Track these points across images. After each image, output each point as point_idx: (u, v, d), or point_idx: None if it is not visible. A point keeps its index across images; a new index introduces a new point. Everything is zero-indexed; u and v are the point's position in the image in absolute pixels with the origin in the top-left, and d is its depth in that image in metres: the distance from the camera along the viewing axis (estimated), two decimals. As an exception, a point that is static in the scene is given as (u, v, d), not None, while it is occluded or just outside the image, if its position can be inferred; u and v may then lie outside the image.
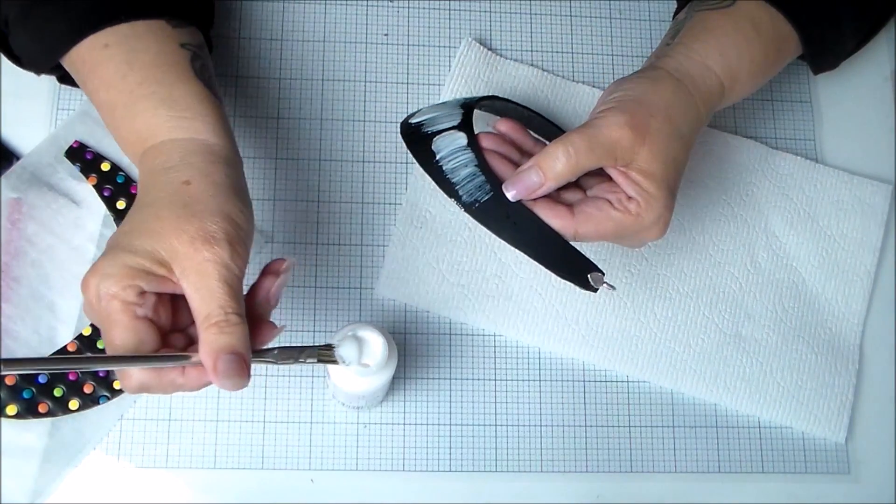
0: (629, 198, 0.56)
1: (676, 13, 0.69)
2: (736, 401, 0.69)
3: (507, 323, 0.68)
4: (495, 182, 0.56)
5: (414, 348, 0.68)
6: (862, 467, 0.69)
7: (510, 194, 0.56)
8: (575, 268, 0.58)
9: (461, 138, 0.57)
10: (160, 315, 0.48)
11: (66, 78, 0.61)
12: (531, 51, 0.76)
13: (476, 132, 0.58)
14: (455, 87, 0.73)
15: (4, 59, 0.63)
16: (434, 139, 0.58)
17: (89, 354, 0.63)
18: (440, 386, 0.67)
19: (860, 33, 0.68)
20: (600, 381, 0.69)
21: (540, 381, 0.68)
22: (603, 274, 0.58)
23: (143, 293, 0.47)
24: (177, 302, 0.49)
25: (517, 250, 0.57)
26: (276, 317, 0.66)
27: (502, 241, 0.57)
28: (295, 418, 0.65)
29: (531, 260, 0.57)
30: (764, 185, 0.74)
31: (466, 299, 0.68)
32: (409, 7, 0.76)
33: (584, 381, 0.69)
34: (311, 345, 0.52)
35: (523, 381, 0.68)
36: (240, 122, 0.71)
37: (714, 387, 0.69)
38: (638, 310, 0.70)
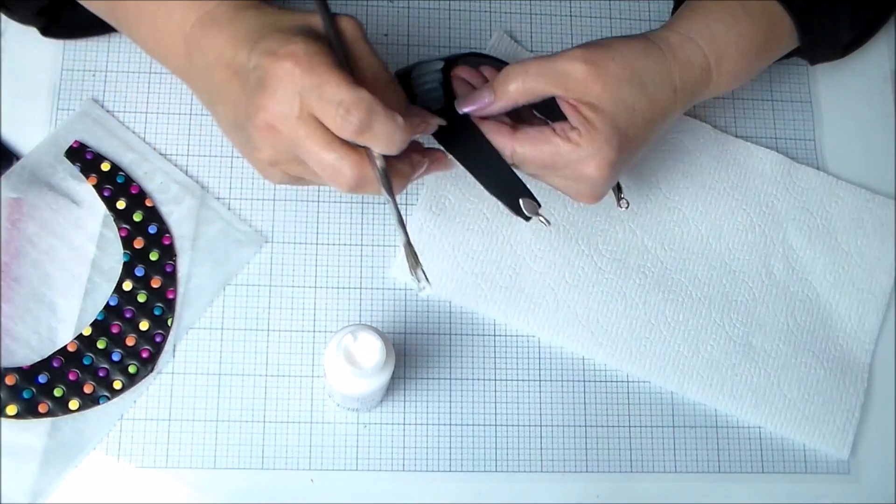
0: (572, 128, 0.57)
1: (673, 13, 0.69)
2: (741, 410, 0.68)
3: (517, 315, 0.68)
4: (451, 97, 0.59)
5: (414, 348, 0.68)
6: (862, 467, 0.69)
7: (460, 109, 0.58)
8: (510, 190, 0.60)
9: (438, 64, 0.61)
10: None
11: (48, 29, 0.62)
12: (531, 51, 0.76)
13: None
14: None
15: (5, 60, 0.63)
16: (416, 66, 0.62)
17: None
18: (440, 386, 0.67)
19: (857, 24, 0.68)
20: (600, 381, 0.69)
21: (540, 381, 0.68)
22: (539, 205, 0.59)
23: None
24: None
25: (462, 166, 0.60)
26: (275, 316, 0.67)
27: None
28: (295, 418, 0.65)
29: (487, 190, 0.60)
30: (784, 198, 0.73)
31: (479, 288, 0.68)
32: (409, 7, 0.75)
33: (584, 380, 0.69)
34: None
35: (523, 381, 0.68)
36: (240, 122, 0.71)
37: (720, 394, 0.68)
38: (649, 311, 0.70)
